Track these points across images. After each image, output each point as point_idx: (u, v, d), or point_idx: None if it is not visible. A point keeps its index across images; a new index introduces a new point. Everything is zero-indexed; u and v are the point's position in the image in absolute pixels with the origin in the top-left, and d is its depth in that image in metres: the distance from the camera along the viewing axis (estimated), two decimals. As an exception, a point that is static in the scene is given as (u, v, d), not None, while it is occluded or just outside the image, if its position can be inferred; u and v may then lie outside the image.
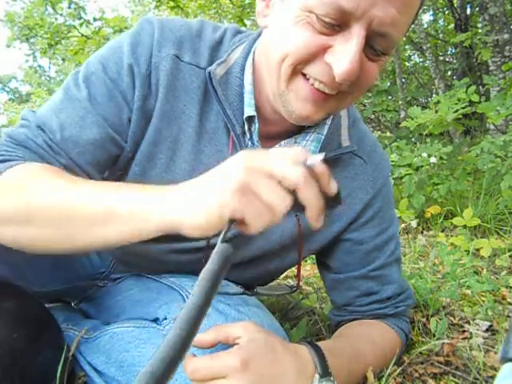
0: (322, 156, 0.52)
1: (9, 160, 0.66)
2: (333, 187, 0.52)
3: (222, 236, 0.48)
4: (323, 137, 0.77)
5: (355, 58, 0.58)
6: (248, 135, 0.74)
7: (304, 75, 0.63)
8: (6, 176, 0.64)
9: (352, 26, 0.58)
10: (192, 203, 0.51)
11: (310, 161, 0.51)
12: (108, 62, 0.71)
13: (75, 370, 0.80)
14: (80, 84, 0.71)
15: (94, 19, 5.98)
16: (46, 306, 0.85)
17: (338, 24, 0.58)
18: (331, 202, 0.53)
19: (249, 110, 0.72)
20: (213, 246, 0.48)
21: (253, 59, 0.74)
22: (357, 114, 0.88)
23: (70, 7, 5.89)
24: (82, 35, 5.73)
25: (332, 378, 0.65)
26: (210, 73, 0.70)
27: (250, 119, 0.73)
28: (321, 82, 0.62)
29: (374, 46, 0.61)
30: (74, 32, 5.90)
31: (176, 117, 0.73)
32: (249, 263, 0.84)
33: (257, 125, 0.73)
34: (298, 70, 0.63)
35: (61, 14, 6.09)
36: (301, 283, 1.47)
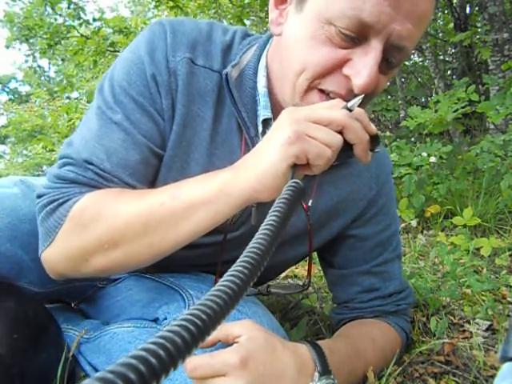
0: (360, 98, 0.57)
1: (67, 200, 0.67)
2: (373, 128, 0.58)
3: (290, 178, 0.52)
4: None
5: (374, 71, 0.60)
6: (261, 137, 0.74)
7: (319, 89, 0.65)
8: (74, 214, 0.65)
9: (371, 39, 0.60)
10: (259, 168, 0.56)
11: (350, 104, 0.57)
12: (131, 76, 0.71)
13: (75, 370, 0.80)
14: (111, 105, 0.71)
15: (94, 19, 5.98)
16: (46, 306, 0.85)
17: (357, 37, 0.60)
18: (372, 143, 0.59)
19: (265, 113, 0.73)
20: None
21: (265, 62, 0.74)
22: None
23: (69, 7, 5.89)
24: (82, 35, 5.73)
25: (332, 376, 0.65)
26: (226, 75, 0.71)
27: (265, 121, 0.74)
28: (337, 94, 0.64)
29: (389, 58, 0.63)
30: (74, 32, 5.90)
31: (191, 120, 0.73)
32: None
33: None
34: (314, 85, 0.64)
35: (60, 15, 6.09)
36: (301, 283, 1.47)
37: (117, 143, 0.69)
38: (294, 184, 0.46)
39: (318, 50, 0.61)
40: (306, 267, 1.59)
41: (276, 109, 0.73)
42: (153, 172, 0.74)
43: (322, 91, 0.65)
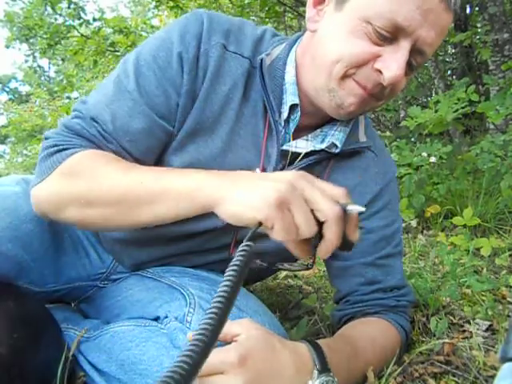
0: (362, 208, 0.57)
1: (67, 148, 0.73)
2: (355, 236, 0.58)
3: (249, 235, 0.52)
4: (349, 129, 0.85)
5: (403, 66, 0.69)
6: (283, 123, 0.80)
7: (353, 79, 0.72)
8: (67, 163, 0.72)
9: (400, 40, 0.68)
10: (236, 195, 0.58)
11: (350, 207, 0.56)
12: (158, 52, 0.76)
13: (75, 370, 0.80)
14: (130, 75, 0.76)
15: (94, 19, 5.97)
16: (46, 306, 0.85)
17: (390, 37, 0.68)
18: (344, 247, 0.58)
19: (293, 98, 0.79)
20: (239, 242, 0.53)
21: (295, 57, 0.81)
22: (368, 117, 0.95)
23: (69, 7, 5.89)
24: (82, 35, 5.72)
25: (331, 374, 0.65)
26: (261, 60, 0.77)
27: (292, 107, 0.80)
28: (363, 87, 0.72)
29: (412, 61, 0.71)
30: (74, 32, 5.90)
31: (219, 99, 0.78)
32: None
33: (299, 113, 0.80)
34: (349, 73, 0.71)
35: (60, 14, 6.08)
36: (301, 283, 1.47)
37: (123, 110, 0.75)
38: (245, 248, 0.48)
39: (356, 43, 0.69)
40: (306, 267, 1.59)
41: (302, 97, 0.80)
42: (158, 145, 0.79)
43: (354, 79, 0.71)
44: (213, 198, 0.60)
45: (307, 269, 0.93)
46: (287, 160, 0.83)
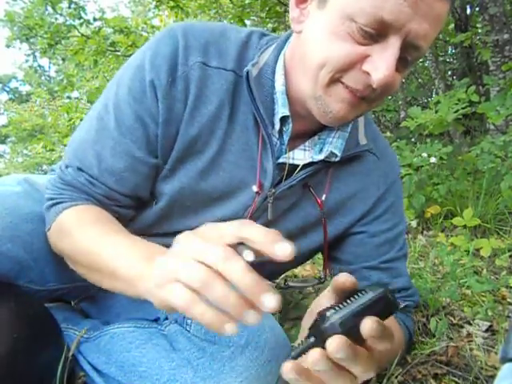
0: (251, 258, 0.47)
1: (60, 202, 0.76)
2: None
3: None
4: (347, 134, 0.80)
5: (392, 66, 0.62)
6: (277, 135, 0.77)
7: (341, 82, 0.66)
8: (58, 221, 0.75)
9: (389, 36, 0.62)
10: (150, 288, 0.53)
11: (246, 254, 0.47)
12: (133, 82, 0.73)
13: (75, 370, 0.80)
14: (110, 111, 0.75)
15: (94, 19, 5.97)
16: (46, 305, 0.85)
17: (377, 34, 0.61)
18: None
19: (283, 110, 0.75)
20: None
21: (283, 61, 0.76)
22: (369, 115, 0.91)
23: (69, 7, 5.88)
24: (82, 35, 5.72)
25: None
26: (247, 73, 0.72)
27: (283, 119, 0.75)
28: (355, 90, 0.66)
29: (406, 56, 0.65)
30: (74, 32, 5.89)
31: (206, 120, 0.75)
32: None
33: (290, 125, 0.75)
34: (336, 78, 0.66)
35: (61, 14, 6.08)
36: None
37: (106, 150, 0.75)
38: None
39: (339, 46, 0.63)
40: (306, 267, 1.60)
41: (293, 107, 0.75)
42: (143, 180, 0.78)
43: (342, 83, 0.66)
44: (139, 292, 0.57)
45: (320, 283, 0.90)
46: (285, 172, 0.79)
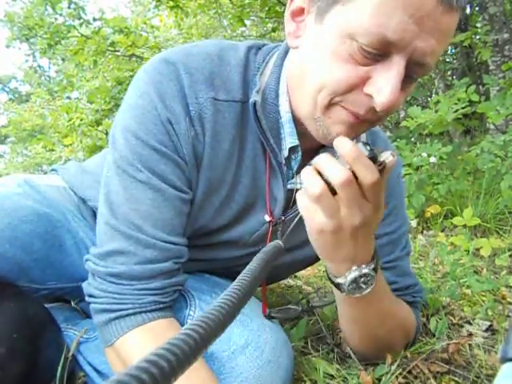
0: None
1: (119, 317, 0.68)
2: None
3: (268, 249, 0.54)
4: None
5: (397, 88, 0.58)
6: (284, 161, 0.74)
7: (341, 106, 0.63)
8: (117, 346, 0.68)
9: (393, 55, 0.57)
10: None
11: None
12: (146, 125, 0.67)
13: (75, 370, 0.80)
14: (132, 162, 0.68)
15: (94, 19, 5.97)
16: (46, 305, 0.85)
17: (379, 54, 0.57)
18: None
19: (291, 140, 0.71)
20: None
21: (285, 83, 0.71)
22: None
23: (69, 7, 5.88)
24: (82, 35, 5.72)
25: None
26: (255, 104, 0.69)
27: (292, 148, 0.72)
28: (356, 114, 0.62)
29: (411, 74, 0.60)
30: (74, 32, 5.89)
31: (222, 159, 0.72)
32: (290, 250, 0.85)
33: (300, 153, 0.73)
34: (335, 101, 0.62)
35: (60, 14, 6.08)
36: (301, 283, 1.47)
37: (147, 203, 0.68)
38: (275, 244, 0.53)
39: (339, 68, 0.59)
40: (307, 268, 1.60)
41: (298, 126, 0.71)
42: (187, 219, 0.74)
43: (342, 105, 0.63)
44: None
45: (303, 313, 0.91)
46: (293, 197, 0.78)
